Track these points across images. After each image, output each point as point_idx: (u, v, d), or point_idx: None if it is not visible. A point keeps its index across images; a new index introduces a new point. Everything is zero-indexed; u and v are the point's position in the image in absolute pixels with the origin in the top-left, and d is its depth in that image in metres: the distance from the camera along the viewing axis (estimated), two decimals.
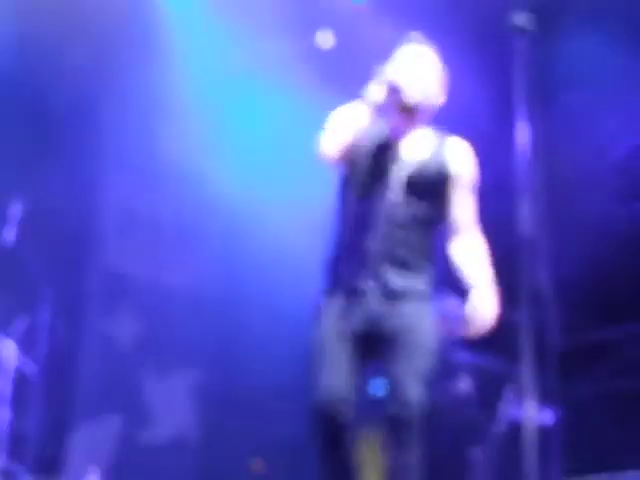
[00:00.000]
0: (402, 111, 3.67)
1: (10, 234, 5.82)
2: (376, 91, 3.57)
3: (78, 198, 6.65)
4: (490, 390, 5.38)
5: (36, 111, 6.49)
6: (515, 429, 5.08)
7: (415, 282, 3.61)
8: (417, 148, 3.70)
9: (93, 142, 6.79)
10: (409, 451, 3.47)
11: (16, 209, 5.87)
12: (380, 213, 3.58)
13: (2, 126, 6.41)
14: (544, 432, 5.53)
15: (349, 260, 3.62)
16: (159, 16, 6.98)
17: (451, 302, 6.49)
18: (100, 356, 7.07)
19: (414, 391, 3.45)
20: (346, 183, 3.70)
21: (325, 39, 7.02)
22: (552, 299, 5.69)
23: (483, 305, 3.57)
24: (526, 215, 3.45)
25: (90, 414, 6.94)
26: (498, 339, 5.70)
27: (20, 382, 5.83)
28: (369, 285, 3.56)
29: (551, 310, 5.90)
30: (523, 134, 3.53)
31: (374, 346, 3.58)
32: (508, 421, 5.16)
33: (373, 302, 3.56)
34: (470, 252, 3.67)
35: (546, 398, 5.92)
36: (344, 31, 6.94)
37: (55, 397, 6.21)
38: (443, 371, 5.73)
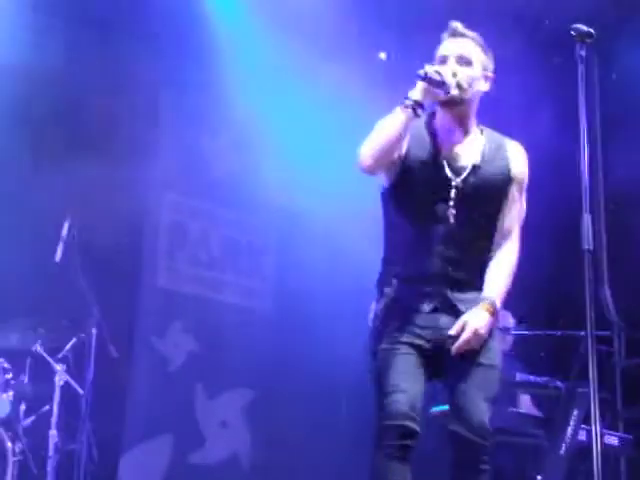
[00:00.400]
0: (448, 106, 3.50)
1: (61, 253, 5.79)
2: (418, 90, 3.36)
3: (128, 216, 6.63)
4: (555, 411, 5.24)
5: (87, 131, 6.51)
6: (581, 451, 4.94)
7: (478, 299, 3.47)
8: (473, 150, 3.53)
9: (144, 159, 6.76)
10: (478, 474, 3.36)
11: (66, 228, 5.84)
12: (438, 233, 3.45)
13: (54, 145, 6.42)
14: (610, 454, 5.40)
15: (407, 280, 3.49)
16: (216, 33, 7.00)
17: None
18: (152, 375, 7.04)
19: (485, 413, 3.37)
20: (397, 197, 3.53)
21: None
22: (616, 317, 5.55)
23: (476, 320, 3.40)
24: (589, 231, 3.35)
25: (142, 434, 6.91)
26: (563, 359, 5.59)
27: (71, 402, 5.80)
28: (434, 305, 3.46)
29: (615, 329, 5.75)
30: (586, 149, 3.42)
31: (439, 365, 3.47)
32: (573, 443, 5.01)
33: (440, 321, 3.45)
34: (497, 264, 3.53)
35: (612, 419, 5.78)
36: (399, 42, 6.89)
37: (107, 417, 6.17)
38: (508, 391, 5.63)
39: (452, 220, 3.44)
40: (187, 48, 6.81)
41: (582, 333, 3.33)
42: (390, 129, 3.37)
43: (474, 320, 3.39)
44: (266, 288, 7.81)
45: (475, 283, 3.50)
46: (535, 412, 6.08)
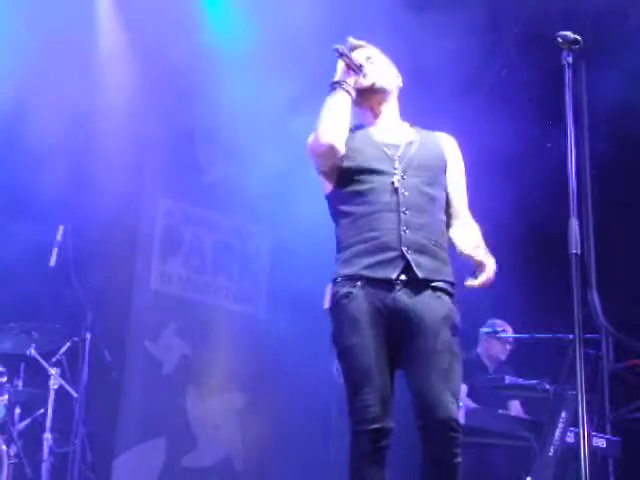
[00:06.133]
0: (370, 94, 3.64)
1: (55, 257, 5.81)
2: (339, 71, 3.56)
3: (123, 221, 6.65)
4: (543, 414, 5.27)
5: (81, 137, 6.53)
6: (569, 453, 4.98)
7: (445, 270, 3.45)
8: (405, 132, 3.64)
9: (137, 164, 6.79)
10: (451, 468, 3.24)
11: (61, 232, 5.87)
12: (391, 203, 3.43)
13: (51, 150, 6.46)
14: (598, 456, 5.45)
15: (367, 253, 3.41)
16: (209, 40, 7.04)
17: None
18: (145, 379, 7.06)
19: (452, 403, 3.26)
20: (344, 189, 3.53)
21: None
22: (604, 321, 5.60)
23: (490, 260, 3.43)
24: (576, 235, 3.35)
25: (136, 437, 6.93)
26: (552, 362, 5.63)
27: (66, 406, 5.82)
28: (399, 270, 3.38)
29: (603, 332, 5.81)
30: (574, 154, 3.44)
31: (398, 350, 3.38)
32: (562, 445, 5.04)
33: (403, 294, 3.37)
34: (468, 229, 3.56)
35: (599, 422, 5.83)
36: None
37: (101, 421, 6.20)
38: (498, 395, 5.66)
39: (401, 189, 3.45)
40: (180, 57, 6.83)
41: (570, 336, 3.34)
42: (334, 105, 3.52)
43: (491, 261, 3.41)
44: (258, 292, 7.84)
45: (434, 251, 3.43)
46: (525, 414, 6.11)
